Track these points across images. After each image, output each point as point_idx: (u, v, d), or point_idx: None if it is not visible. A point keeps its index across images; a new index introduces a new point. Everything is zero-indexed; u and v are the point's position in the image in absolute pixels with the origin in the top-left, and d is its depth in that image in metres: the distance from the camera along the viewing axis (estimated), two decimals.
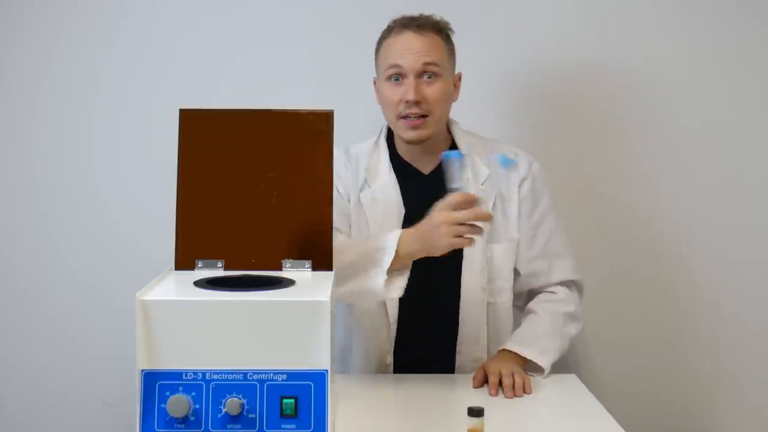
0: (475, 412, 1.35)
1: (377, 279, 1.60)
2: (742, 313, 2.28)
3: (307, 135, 1.48)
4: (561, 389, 1.75)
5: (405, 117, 1.81)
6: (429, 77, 1.80)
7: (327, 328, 1.21)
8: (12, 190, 2.24)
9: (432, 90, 1.80)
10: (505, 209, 1.87)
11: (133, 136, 2.22)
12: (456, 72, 1.89)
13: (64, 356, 2.26)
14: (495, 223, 1.79)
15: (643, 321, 2.28)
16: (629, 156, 2.26)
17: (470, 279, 1.86)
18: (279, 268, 1.42)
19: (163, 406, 1.19)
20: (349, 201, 1.89)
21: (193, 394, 1.20)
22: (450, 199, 1.59)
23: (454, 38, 1.88)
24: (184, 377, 1.20)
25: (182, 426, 1.19)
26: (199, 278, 1.34)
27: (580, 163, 2.25)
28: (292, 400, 1.20)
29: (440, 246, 1.58)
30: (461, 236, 1.56)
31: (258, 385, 1.20)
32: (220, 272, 1.40)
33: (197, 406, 1.19)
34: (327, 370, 1.21)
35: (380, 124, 1.95)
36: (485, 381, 1.73)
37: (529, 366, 1.79)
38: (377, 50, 1.87)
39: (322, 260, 1.43)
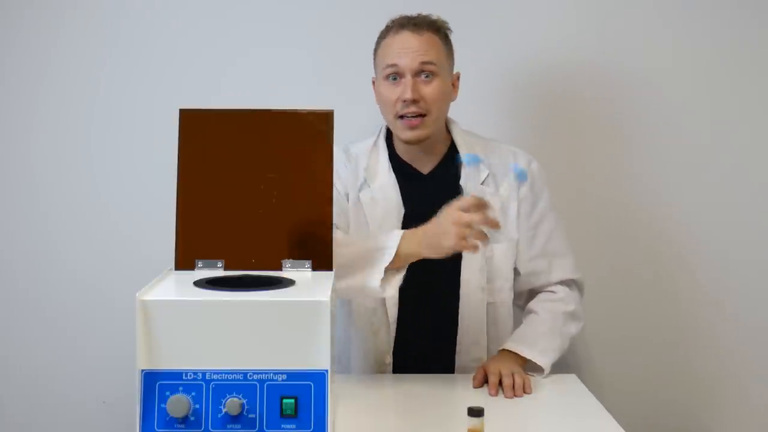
0: (475, 412, 1.35)
1: (374, 277, 1.60)
2: (742, 312, 2.28)
3: (307, 135, 1.48)
4: (561, 389, 1.75)
5: (403, 116, 1.81)
6: (426, 76, 1.81)
7: (327, 328, 1.21)
8: (12, 190, 2.24)
9: (430, 89, 1.80)
10: (504, 209, 1.87)
11: (133, 136, 2.22)
12: (455, 72, 1.89)
13: (64, 356, 2.26)
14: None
15: (644, 321, 2.28)
16: (629, 156, 2.26)
17: (470, 279, 1.86)
18: (279, 268, 1.42)
19: (163, 406, 1.19)
20: (348, 200, 1.89)
21: (193, 394, 1.20)
22: (462, 201, 1.60)
23: (454, 38, 1.88)
24: (184, 377, 1.20)
25: (182, 426, 1.19)
26: (199, 278, 1.34)
27: (579, 163, 2.25)
28: (292, 400, 1.20)
29: (445, 246, 1.57)
30: (466, 240, 1.55)
31: (258, 385, 1.20)
32: (220, 272, 1.40)
33: (197, 406, 1.19)
34: (327, 370, 1.21)
35: (380, 124, 1.95)
36: (485, 381, 1.73)
37: (529, 366, 1.79)
38: (375, 50, 1.88)
39: (322, 260, 1.43)
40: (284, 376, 1.20)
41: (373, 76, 1.90)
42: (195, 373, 1.20)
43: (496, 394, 1.68)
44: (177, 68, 2.21)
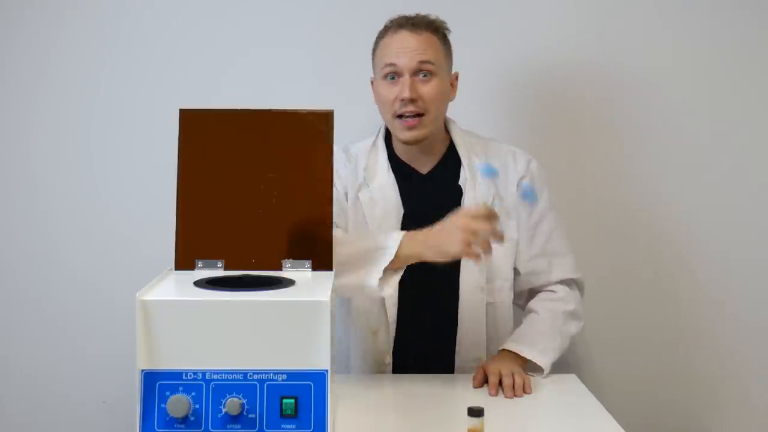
0: (475, 412, 1.35)
1: (372, 276, 1.60)
2: (743, 312, 2.28)
3: (307, 135, 1.48)
4: (561, 389, 1.75)
5: (401, 116, 1.81)
6: (425, 76, 1.81)
7: (327, 328, 1.21)
8: (12, 190, 2.25)
9: (428, 88, 1.80)
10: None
11: (133, 136, 2.23)
12: (453, 72, 1.89)
13: (64, 356, 2.26)
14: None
15: (644, 321, 2.28)
16: (629, 156, 2.26)
17: (469, 279, 1.86)
18: (279, 268, 1.42)
19: (163, 406, 1.19)
20: (347, 200, 1.89)
21: (193, 394, 1.20)
22: (474, 209, 1.60)
23: (453, 38, 1.88)
24: (184, 377, 1.20)
25: (182, 426, 1.19)
26: (199, 278, 1.34)
27: (579, 163, 2.25)
28: (292, 400, 1.20)
29: (449, 251, 1.57)
30: (470, 247, 1.55)
31: (258, 385, 1.20)
32: (220, 272, 1.40)
33: (197, 406, 1.19)
34: (327, 370, 1.21)
35: (380, 124, 1.95)
36: (485, 381, 1.73)
37: (529, 366, 1.79)
38: (374, 50, 1.88)
39: (322, 260, 1.43)
40: (284, 376, 1.20)
41: (372, 76, 1.90)
42: (195, 373, 1.20)
43: (496, 394, 1.68)
44: (177, 68, 2.21)
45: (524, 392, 1.69)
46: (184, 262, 1.41)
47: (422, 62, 1.80)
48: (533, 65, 2.23)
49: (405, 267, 1.64)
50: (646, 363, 2.28)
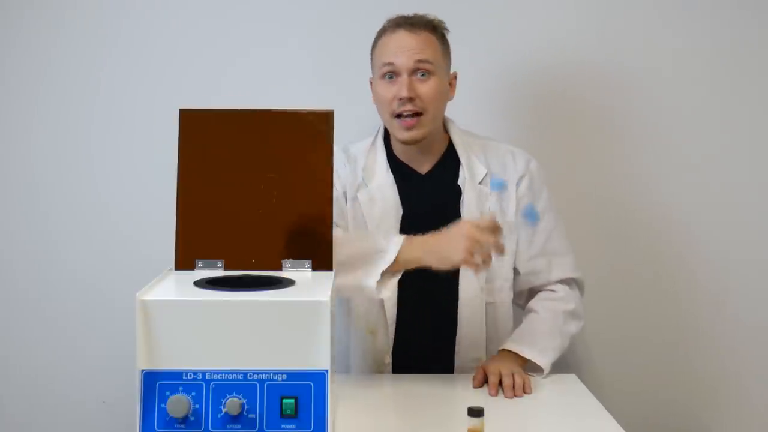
0: (475, 412, 1.35)
1: (370, 278, 1.60)
2: (743, 312, 2.28)
3: (307, 135, 1.48)
4: (561, 389, 1.75)
5: (399, 116, 1.81)
6: (422, 75, 1.81)
7: (327, 328, 1.21)
8: (12, 190, 2.25)
9: (425, 87, 1.80)
10: (503, 208, 1.87)
11: (133, 136, 2.22)
12: (452, 71, 1.89)
13: (64, 356, 2.26)
14: None
15: (644, 321, 2.28)
16: (628, 156, 2.26)
17: (468, 279, 1.86)
18: (279, 268, 1.42)
19: (163, 406, 1.19)
20: (346, 200, 1.89)
21: (193, 394, 1.20)
22: (482, 220, 1.61)
23: (452, 38, 1.88)
24: (184, 377, 1.20)
25: (182, 426, 1.19)
26: (199, 278, 1.34)
27: (579, 163, 2.25)
28: (292, 400, 1.20)
29: (451, 258, 1.57)
30: (472, 256, 1.55)
31: (258, 385, 1.20)
32: (220, 272, 1.40)
33: (197, 406, 1.19)
34: (327, 370, 1.21)
35: (379, 124, 1.95)
36: (485, 381, 1.73)
37: (529, 366, 1.79)
38: (372, 50, 1.88)
39: (322, 260, 1.43)
40: (284, 376, 1.20)
41: (371, 75, 1.90)
42: (195, 373, 1.20)
43: (496, 394, 1.68)
44: (177, 68, 2.21)
45: (524, 392, 1.69)
46: (184, 262, 1.41)
47: (420, 61, 1.80)
48: (532, 65, 2.23)
49: (403, 270, 1.64)
50: (646, 363, 2.28)
